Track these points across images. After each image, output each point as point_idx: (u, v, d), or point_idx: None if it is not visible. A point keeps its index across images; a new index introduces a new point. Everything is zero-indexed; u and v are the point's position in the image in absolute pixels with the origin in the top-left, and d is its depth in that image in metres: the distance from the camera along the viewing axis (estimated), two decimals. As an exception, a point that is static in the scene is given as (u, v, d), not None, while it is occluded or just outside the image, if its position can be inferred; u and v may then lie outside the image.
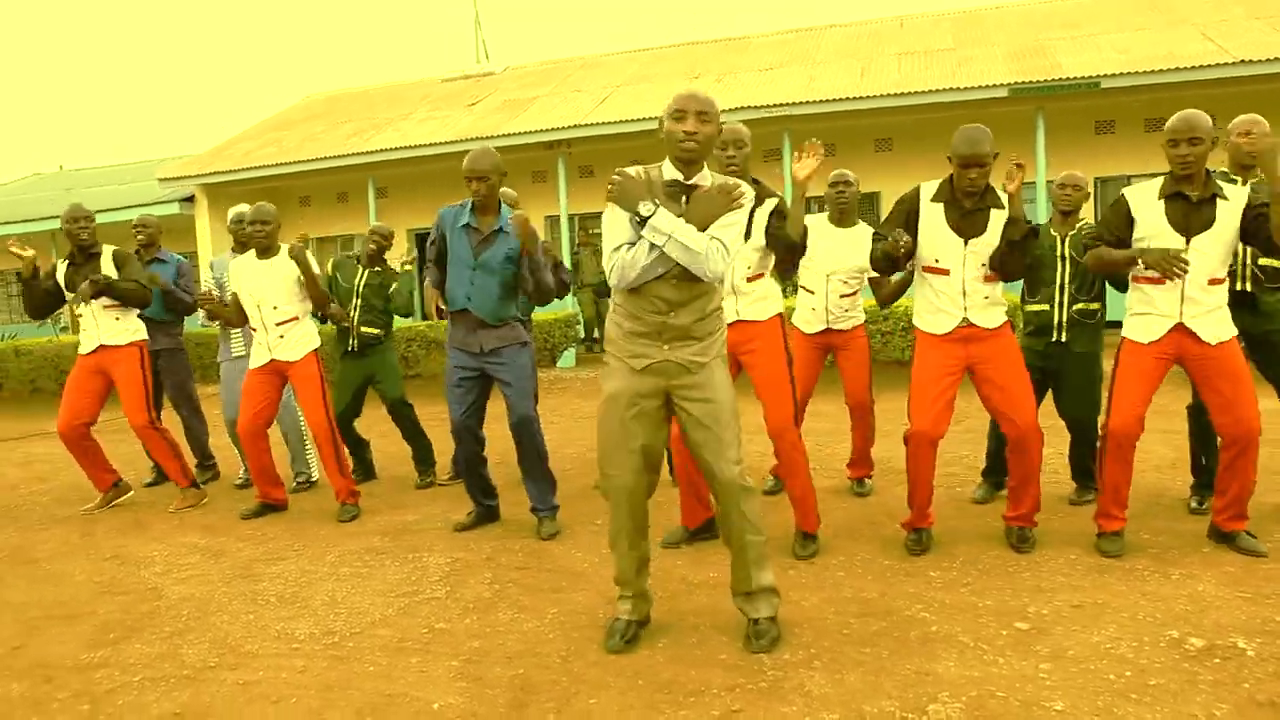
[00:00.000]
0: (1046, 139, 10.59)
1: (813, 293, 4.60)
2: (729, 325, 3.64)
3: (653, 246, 2.72)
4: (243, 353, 5.42)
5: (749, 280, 3.68)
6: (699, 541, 3.96)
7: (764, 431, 3.78)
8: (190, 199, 14.51)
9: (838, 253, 4.53)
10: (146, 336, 5.25)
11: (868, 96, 10.90)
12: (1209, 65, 9.80)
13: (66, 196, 15.16)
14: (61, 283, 5.13)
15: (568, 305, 11.80)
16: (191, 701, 2.74)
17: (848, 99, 10.98)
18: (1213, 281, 3.36)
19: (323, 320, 5.12)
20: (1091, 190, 9.83)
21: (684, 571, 3.64)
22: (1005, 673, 2.62)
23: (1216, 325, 3.38)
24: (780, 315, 3.73)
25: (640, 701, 2.57)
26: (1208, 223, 3.32)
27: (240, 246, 5.55)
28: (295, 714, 2.63)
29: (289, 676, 2.88)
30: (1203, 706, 2.37)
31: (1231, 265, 3.73)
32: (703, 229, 2.73)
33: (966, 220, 3.51)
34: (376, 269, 5.50)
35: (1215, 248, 3.33)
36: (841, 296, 4.57)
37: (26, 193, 19.15)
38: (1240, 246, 3.56)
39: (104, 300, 5.04)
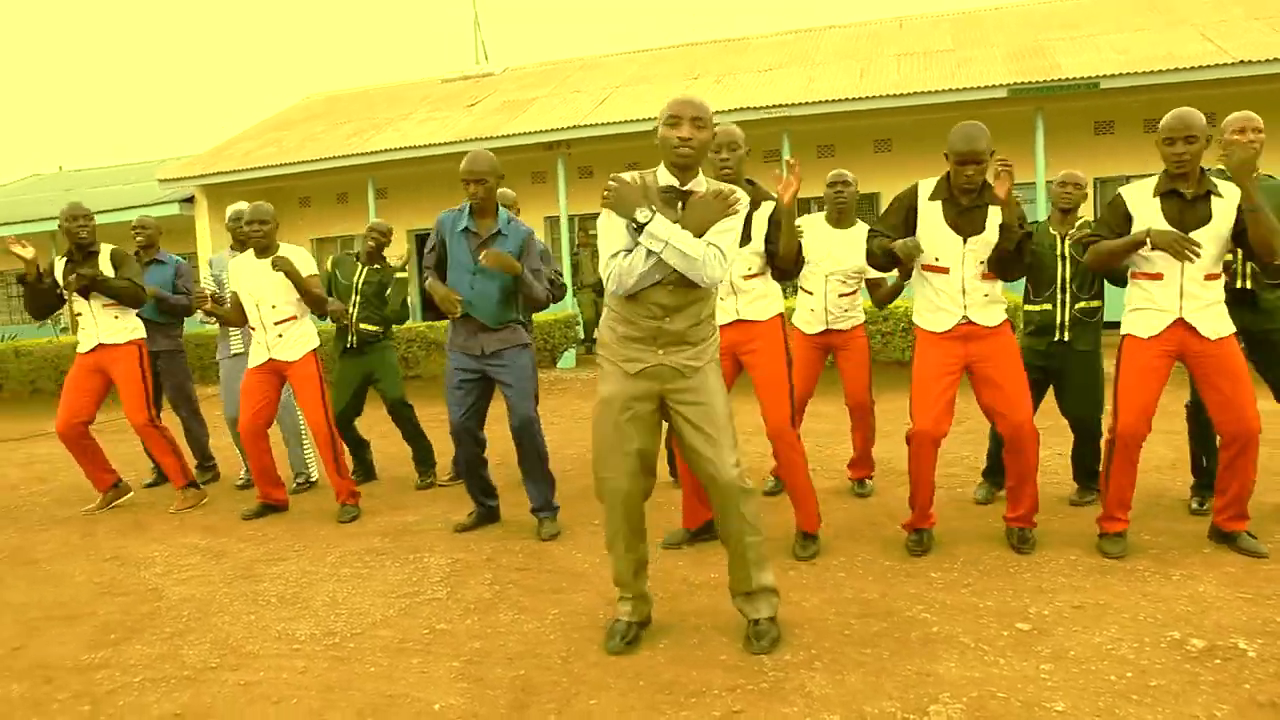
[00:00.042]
0: (1046, 140, 10.59)
1: (811, 293, 4.60)
2: (730, 324, 3.67)
3: (650, 253, 2.73)
4: (241, 350, 5.43)
5: (747, 278, 3.68)
6: (700, 543, 3.95)
7: (763, 432, 3.78)
8: (190, 200, 14.50)
9: (836, 253, 4.53)
10: (145, 335, 5.25)
11: (867, 97, 10.89)
12: (1208, 66, 9.80)
13: (66, 197, 15.11)
14: (60, 281, 5.13)
15: (567, 306, 11.80)
16: (192, 702, 2.74)
17: (847, 100, 10.97)
18: (1209, 277, 3.40)
19: (322, 317, 5.12)
20: (1091, 191, 9.85)
21: (685, 572, 3.64)
22: (1006, 673, 2.62)
23: (1215, 320, 3.41)
24: (781, 315, 3.73)
25: (641, 702, 2.57)
26: (1203, 219, 3.35)
27: (239, 245, 5.56)
28: (296, 715, 2.63)
29: (290, 677, 2.88)
30: (1204, 707, 2.37)
31: (1233, 263, 3.75)
32: (699, 235, 2.74)
33: (964, 218, 3.52)
34: (376, 266, 5.50)
35: (1211, 244, 3.35)
36: (840, 296, 4.57)
37: (26, 193, 19.14)
38: None
39: (103, 299, 5.05)
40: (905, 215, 3.61)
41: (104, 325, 5.09)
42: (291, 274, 4.69)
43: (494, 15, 56.62)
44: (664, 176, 2.83)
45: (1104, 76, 10.12)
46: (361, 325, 5.41)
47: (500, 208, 4.25)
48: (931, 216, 3.56)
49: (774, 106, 11.18)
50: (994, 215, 3.50)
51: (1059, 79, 10.27)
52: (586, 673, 2.78)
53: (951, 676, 2.62)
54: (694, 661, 2.81)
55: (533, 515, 4.35)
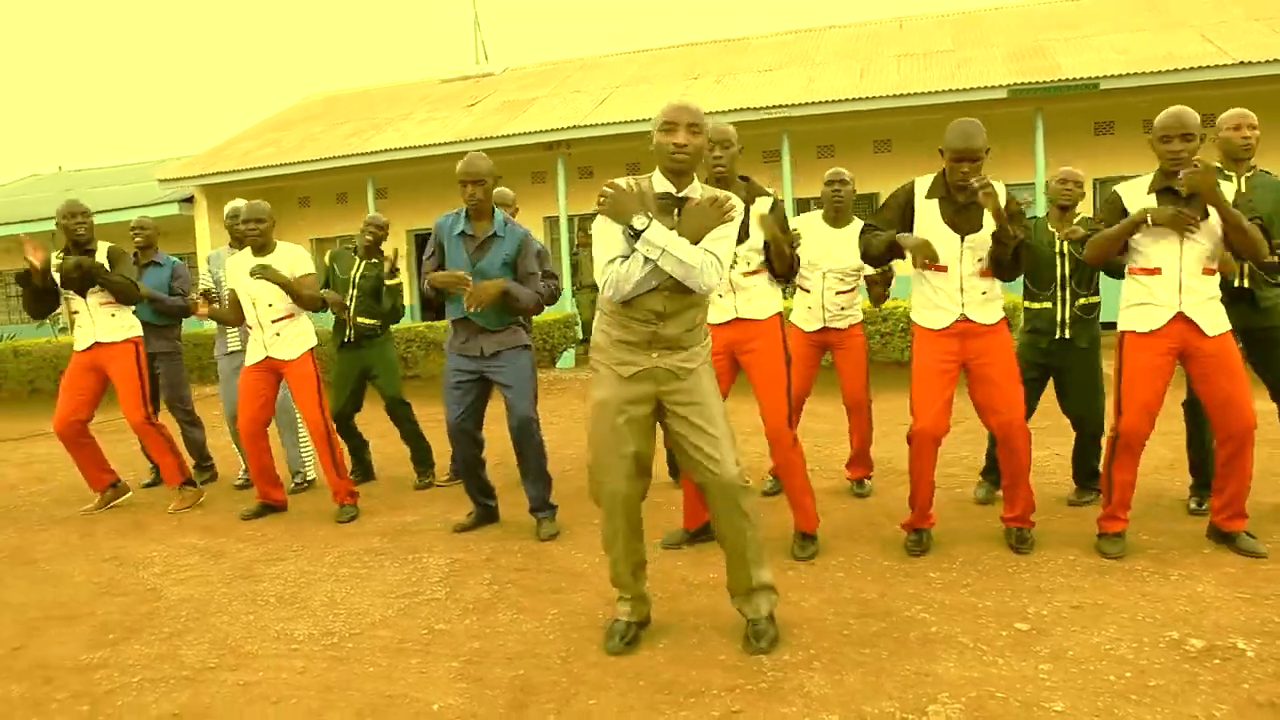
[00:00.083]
0: (1046, 140, 10.60)
1: (809, 291, 4.61)
2: (728, 323, 3.67)
3: (647, 260, 2.73)
4: (239, 347, 5.43)
5: (747, 274, 3.68)
6: (699, 543, 3.95)
7: (761, 432, 3.78)
8: (189, 200, 14.50)
9: (834, 251, 4.54)
10: (142, 333, 5.25)
11: (867, 98, 10.90)
12: (1208, 66, 9.81)
13: (65, 197, 15.01)
14: (56, 278, 5.11)
15: (566, 306, 11.80)
16: (191, 702, 2.74)
17: (847, 100, 10.98)
18: (1206, 271, 3.42)
19: (323, 307, 5.11)
20: (1091, 191, 9.85)
21: (684, 572, 3.64)
22: (1005, 673, 2.62)
23: (1213, 315, 3.43)
24: (780, 314, 3.73)
25: (640, 702, 2.57)
26: (1199, 215, 3.35)
27: (237, 242, 5.56)
28: (295, 715, 2.63)
29: (289, 677, 2.87)
30: (1203, 707, 2.37)
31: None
32: (696, 242, 2.74)
33: (961, 216, 3.52)
34: (373, 260, 5.50)
35: (1206, 239, 3.37)
36: (838, 294, 4.57)
37: (25, 193, 19.13)
38: None
39: (100, 297, 5.04)
40: (901, 212, 3.62)
41: (100, 323, 5.09)
42: (278, 280, 4.68)
43: (494, 15, 56.66)
44: (659, 182, 2.83)
45: (1104, 77, 10.13)
46: (359, 319, 5.41)
47: (496, 209, 4.25)
48: (928, 214, 3.56)
49: (774, 107, 11.19)
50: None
51: (1059, 79, 10.27)
52: (586, 673, 2.78)
53: (950, 676, 2.62)
54: (693, 661, 2.81)
55: (531, 515, 4.35)
